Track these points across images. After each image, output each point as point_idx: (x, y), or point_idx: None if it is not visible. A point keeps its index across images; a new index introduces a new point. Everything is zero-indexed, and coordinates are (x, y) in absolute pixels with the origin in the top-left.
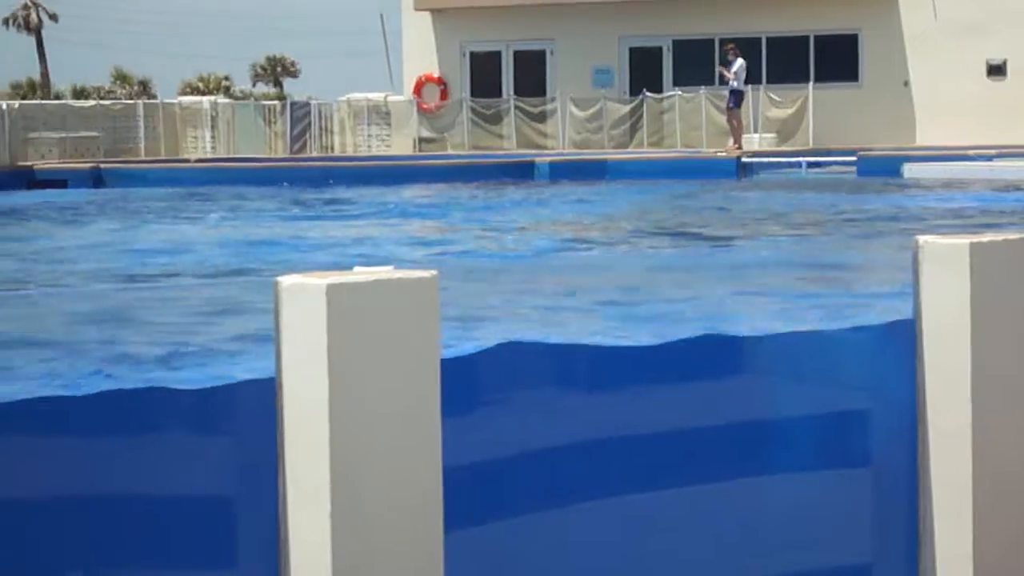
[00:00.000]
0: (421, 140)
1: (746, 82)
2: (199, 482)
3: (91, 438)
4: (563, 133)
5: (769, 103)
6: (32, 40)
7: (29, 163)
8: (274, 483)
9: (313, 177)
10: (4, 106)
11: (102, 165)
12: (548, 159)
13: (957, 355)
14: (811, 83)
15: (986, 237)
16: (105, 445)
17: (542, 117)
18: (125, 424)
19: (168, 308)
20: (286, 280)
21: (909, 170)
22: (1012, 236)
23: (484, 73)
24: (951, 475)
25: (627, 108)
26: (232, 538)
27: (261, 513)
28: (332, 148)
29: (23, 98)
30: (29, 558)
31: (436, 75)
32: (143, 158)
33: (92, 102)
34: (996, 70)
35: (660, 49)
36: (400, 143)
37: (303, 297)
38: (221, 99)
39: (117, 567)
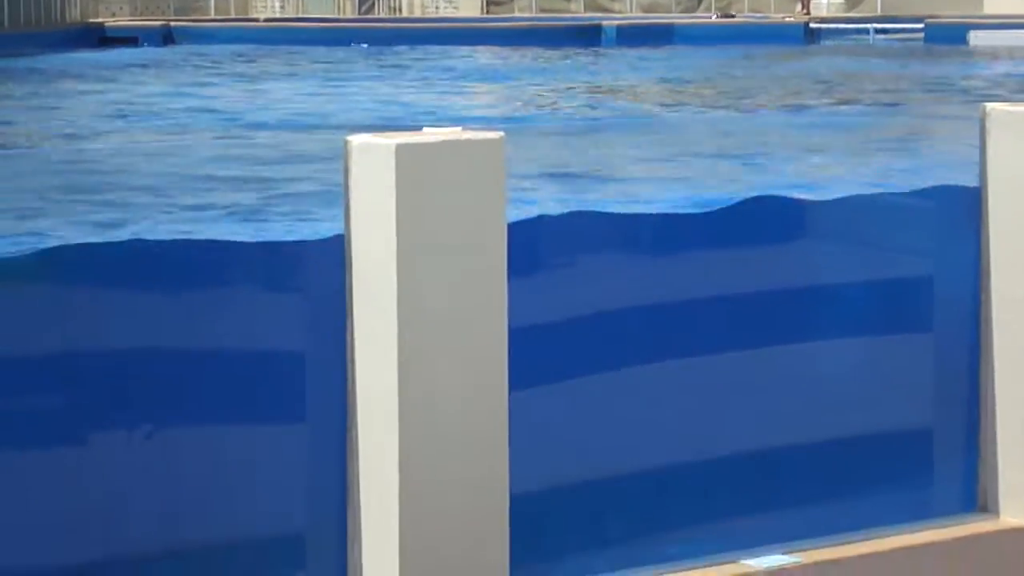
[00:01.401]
0: (489, 2)
1: None
2: (270, 335)
3: (162, 290)
4: None
5: None
6: None
7: (100, 20)
8: (343, 337)
9: (381, 38)
10: None
11: (172, 23)
12: (615, 23)
13: (1022, 220)
14: None
15: None
16: (176, 297)
17: None
18: (195, 276)
19: (239, 164)
20: (356, 139)
21: (975, 37)
22: None
23: None
24: (1015, 341)
25: None
26: (302, 389)
27: (331, 366)
28: (400, 9)
29: None
30: (107, 407)
31: None
32: (213, 16)
33: None
34: None
35: None
36: (468, 4)
37: (373, 156)
38: None
39: (189, 418)
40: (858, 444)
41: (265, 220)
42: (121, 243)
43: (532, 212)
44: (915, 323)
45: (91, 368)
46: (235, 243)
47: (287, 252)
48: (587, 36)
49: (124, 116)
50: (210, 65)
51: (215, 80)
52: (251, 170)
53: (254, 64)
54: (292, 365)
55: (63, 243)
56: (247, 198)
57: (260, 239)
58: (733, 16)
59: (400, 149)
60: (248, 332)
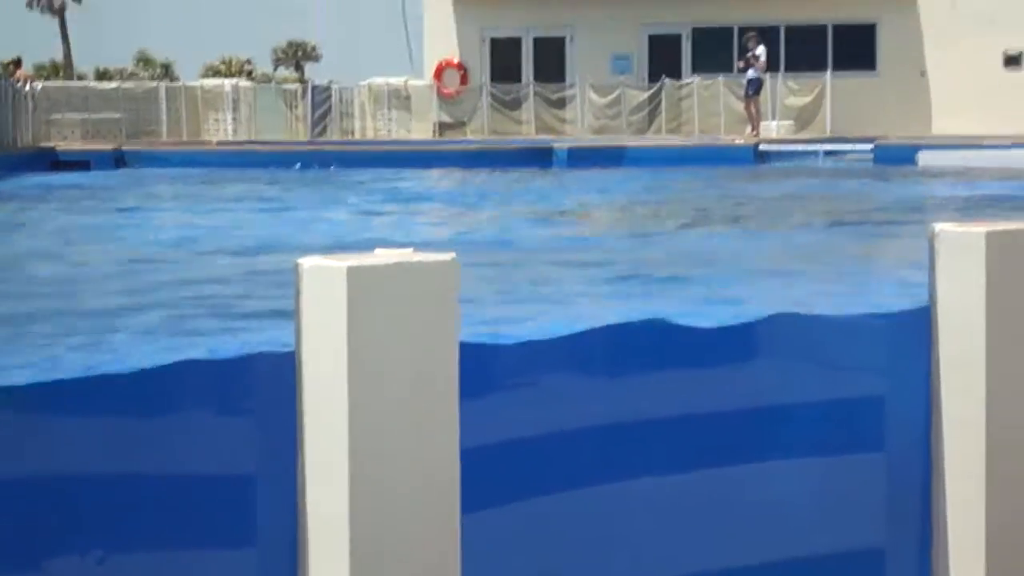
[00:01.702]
0: (441, 125)
1: (765, 70)
2: (218, 458)
3: (111, 415)
4: (582, 119)
5: (787, 91)
6: (56, 22)
7: (52, 144)
8: (294, 461)
9: (334, 160)
10: (27, 87)
11: (124, 147)
12: (566, 145)
13: (972, 343)
14: (829, 71)
15: (1002, 226)
16: (124, 421)
17: (561, 103)
18: (144, 399)
19: (186, 286)
20: (307, 262)
21: (925, 158)
22: None
23: (504, 59)
24: (965, 463)
25: (646, 95)
26: (251, 514)
27: (280, 490)
28: (353, 132)
29: (46, 79)
30: (51, 536)
31: (456, 60)
32: (165, 140)
33: (115, 84)
34: (1013, 61)
35: (679, 36)
36: (420, 128)
37: (324, 279)
38: (243, 82)
39: (137, 545)
40: (809, 565)
41: (217, 340)
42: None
43: (485, 333)
44: (867, 443)
45: (38, 494)
46: (185, 363)
47: (237, 372)
48: (539, 158)
49: (70, 240)
50: (162, 188)
51: (167, 203)
52: (202, 290)
53: (206, 187)
54: (241, 488)
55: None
56: (198, 318)
57: (210, 358)
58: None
59: (351, 271)
60: (197, 454)
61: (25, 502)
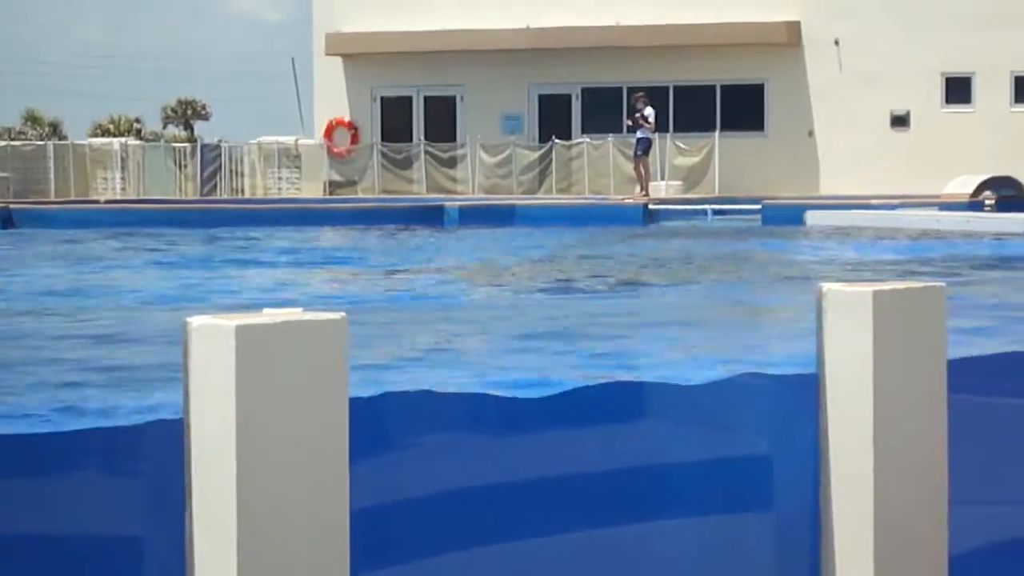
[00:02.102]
0: (331, 184)
1: (654, 130)
2: (107, 520)
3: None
4: (473, 178)
5: (676, 151)
6: None
7: None
8: (181, 522)
9: (223, 219)
10: None
11: (12, 205)
12: (457, 204)
13: (860, 402)
14: (717, 132)
15: (888, 285)
16: (11, 484)
17: (452, 162)
18: (31, 463)
19: (75, 346)
20: (196, 320)
21: (812, 218)
22: (914, 284)
23: (394, 118)
24: (853, 521)
25: (536, 154)
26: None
27: (168, 551)
28: (242, 191)
29: None
30: None
31: (347, 119)
32: (53, 199)
33: (2, 143)
34: (899, 121)
35: (569, 97)
36: (310, 187)
37: (212, 338)
38: (131, 141)
39: None
40: None
41: (105, 399)
42: None
43: (375, 391)
44: (754, 503)
45: None
46: (72, 431)
47: (125, 432)
48: (430, 216)
49: None
50: (50, 247)
51: (55, 262)
52: (90, 348)
53: (95, 245)
54: (129, 551)
55: None
56: (86, 377)
57: (98, 418)
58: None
59: (240, 330)
60: (84, 517)
61: None
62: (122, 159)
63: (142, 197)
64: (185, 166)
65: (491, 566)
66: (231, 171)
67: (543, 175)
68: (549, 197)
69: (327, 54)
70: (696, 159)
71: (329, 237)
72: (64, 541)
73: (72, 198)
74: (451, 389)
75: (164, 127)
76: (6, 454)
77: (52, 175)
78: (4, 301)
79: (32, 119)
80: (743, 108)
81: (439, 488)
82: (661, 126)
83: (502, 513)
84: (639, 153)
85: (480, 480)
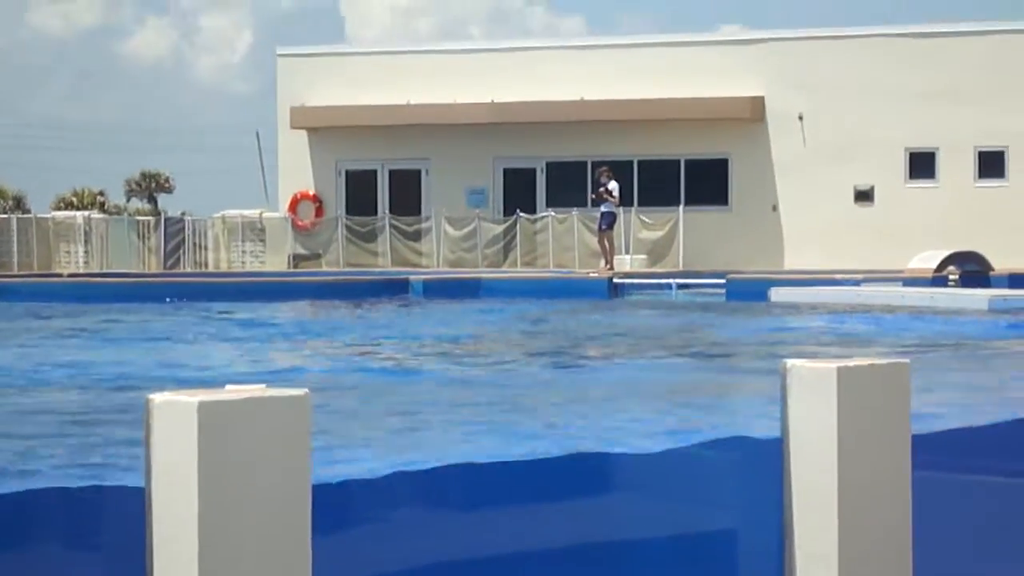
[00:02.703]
0: (296, 257)
1: (618, 204)
2: None
3: None
4: (438, 251)
5: (640, 225)
6: None
7: None
8: None
9: (187, 293)
10: None
11: None
12: (422, 277)
13: (824, 477)
14: (682, 206)
15: (853, 362)
16: None
17: (417, 235)
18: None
19: (34, 421)
20: (157, 397)
21: (776, 294)
22: (878, 361)
23: (359, 191)
24: None
25: (501, 228)
26: None
27: None
28: (206, 264)
29: None
30: None
31: (312, 192)
32: (16, 272)
33: None
34: (863, 196)
35: (534, 170)
36: (275, 260)
37: (174, 414)
38: (95, 214)
39: None
40: None
41: (66, 475)
42: None
43: (339, 472)
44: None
45: None
46: (33, 495)
47: (86, 507)
48: (395, 289)
49: None
50: (10, 322)
51: (15, 336)
52: (49, 424)
53: (55, 321)
54: None
55: None
56: (46, 453)
57: (59, 492)
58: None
59: (202, 407)
60: None
61: None
62: (86, 232)
63: (105, 271)
64: (149, 239)
65: None
66: (195, 244)
67: (508, 248)
68: (514, 270)
69: (292, 127)
70: (661, 233)
71: (293, 311)
72: None
73: (35, 271)
74: (413, 466)
75: (128, 200)
76: None
77: (15, 248)
78: None
79: None
80: (707, 182)
81: (401, 564)
82: (626, 200)
83: None
84: (604, 227)
85: (444, 554)
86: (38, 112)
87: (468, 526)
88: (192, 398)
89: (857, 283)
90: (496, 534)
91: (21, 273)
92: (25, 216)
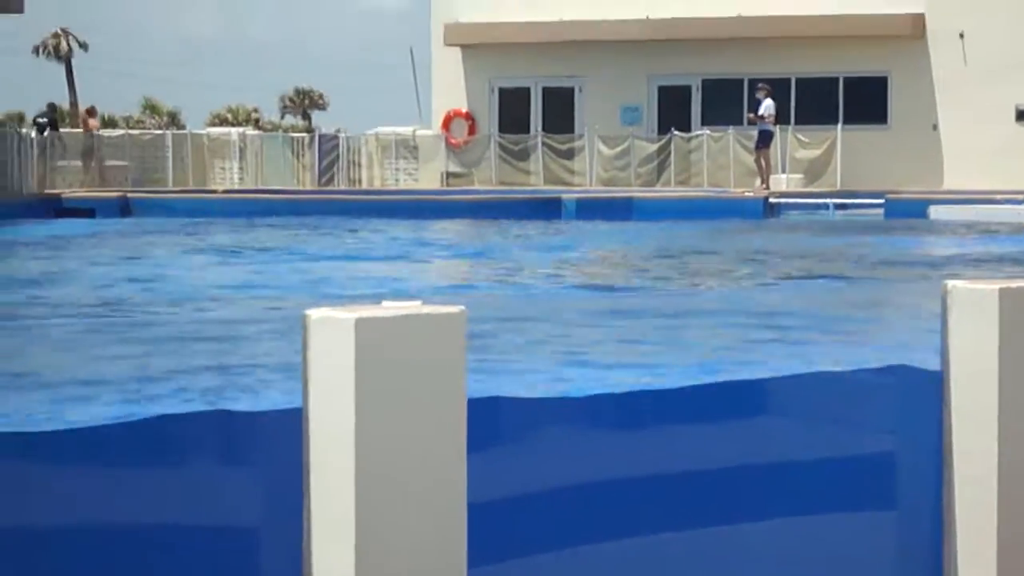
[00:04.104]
0: (448, 175)
1: (775, 122)
2: (223, 511)
3: (116, 465)
4: (590, 170)
5: (797, 144)
6: (62, 68)
7: (57, 191)
8: (299, 514)
9: (341, 209)
10: (33, 134)
11: (130, 195)
12: (575, 196)
13: (984, 401)
14: (839, 124)
15: (1015, 283)
16: (128, 472)
17: (570, 154)
18: (150, 451)
19: (193, 336)
20: (315, 313)
21: (936, 213)
22: None
23: (512, 109)
24: (976, 521)
25: (655, 146)
26: (255, 568)
27: (285, 544)
28: (360, 181)
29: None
30: None
31: (464, 110)
32: (171, 188)
33: (120, 132)
34: None
35: (689, 88)
36: (427, 177)
37: (331, 330)
38: (249, 131)
39: None
40: None
41: (224, 392)
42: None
43: (493, 389)
44: (878, 501)
45: (46, 543)
46: (191, 415)
47: (245, 424)
48: (547, 209)
49: (73, 288)
50: (167, 236)
51: (172, 252)
52: (208, 340)
53: (212, 236)
54: (247, 541)
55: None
56: (205, 371)
57: (218, 410)
58: None
59: (359, 323)
60: (202, 506)
61: (28, 552)
62: (240, 149)
63: (259, 187)
64: (303, 156)
65: (606, 562)
66: (348, 161)
67: (662, 167)
68: (668, 190)
69: (446, 44)
70: (818, 152)
71: (447, 228)
72: (178, 530)
73: (190, 187)
74: (568, 387)
75: (282, 117)
76: (123, 441)
77: (170, 164)
78: (120, 291)
79: (150, 108)
80: (866, 101)
81: (556, 484)
82: (783, 118)
83: (619, 510)
84: (760, 145)
85: (597, 477)
86: (193, 29)
87: (620, 449)
88: (349, 314)
89: (1019, 203)
90: (649, 458)
91: (176, 189)
92: (180, 132)
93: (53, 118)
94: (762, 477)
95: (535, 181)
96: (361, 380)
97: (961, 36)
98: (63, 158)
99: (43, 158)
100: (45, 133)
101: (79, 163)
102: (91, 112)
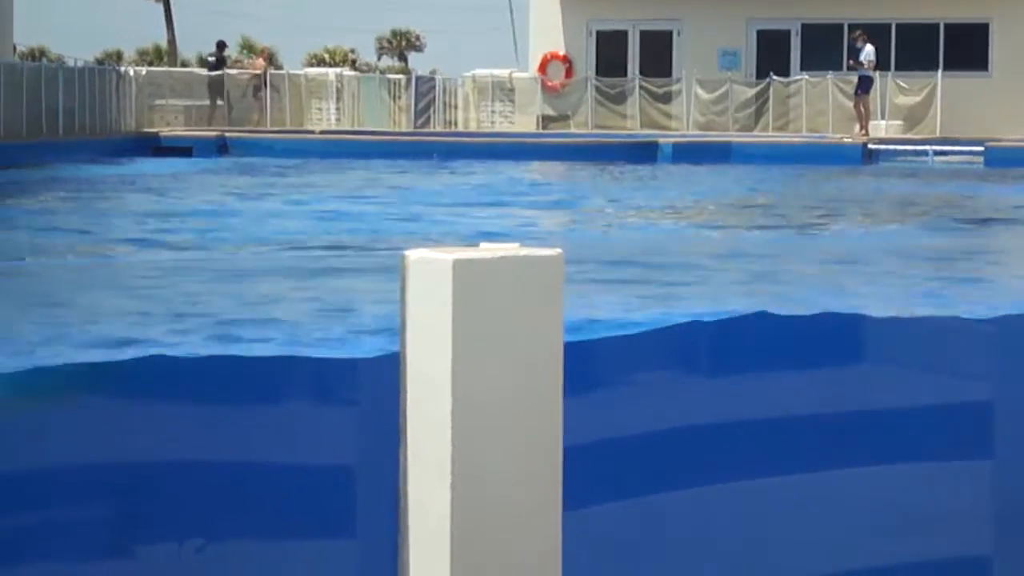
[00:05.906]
0: (545, 118)
1: (875, 68)
2: (322, 451)
3: (216, 403)
4: (687, 114)
5: (897, 90)
6: (160, 7)
7: (155, 130)
8: (396, 455)
9: (437, 152)
10: (131, 72)
11: (227, 134)
12: (672, 140)
13: None
14: (940, 71)
15: None
16: (229, 411)
17: (667, 98)
18: (250, 390)
19: (291, 276)
20: (413, 254)
21: None
22: None
23: (609, 52)
24: None
25: (753, 91)
26: (352, 507)
27: (383, 484)
28: (456, 124)
29: (149, 65)
30: (149, 523)
31: (562, 53)
32: (268, 128)
33: (218, 71)
34: None
35: (788, 33)
36: (524, 121)
37: (429, 272)
38: (347, 72)
39: (236, 534)
40: (916, 571)
41: (322, 331)
42: (170, 358)
43: (590, 330)
44: (975, 450)
45: (141, 480)
46: (288, 358)
47: (342, 365)
48: (643, 153)
49: (172, 226)
50: (264, 176)
51: (270, 192)
52: (305, 283)
53: (309, 176)
54: (343, 481)
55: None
56: (300, 312)
57: (313, 354)
58: None
59: (457, 264)
60: (300, 447)
61: (126, 488)
62: (337, 90)
63: (356, 128)
64: (399, 97)
65: (707, 504)
66: (445, 104)
67: (759, 112)
68: (766, 135)
69: None
70: (917, 99)
71: (543, 172)
72: (279, 469)
73: (287, 127)
74: (665, 324)
75: (379, 58)
76: (226, 375)
77: (268, 104)
78: (217, 231)
79: (248, 47)
80: (967, 47)
81: (657, 426)
82: (882, 64)
83: (718, 453)
84: (860, 92)
85: (694, 419)
86: None
87: (717, 390)
88: (447, 255)
89: None
90: (745, 399)
91: (273, 129)
92: (278, 72)
93: (221, 56)
94: (861, 424)
95: (631, 125)
96: (458, 322)
97: None
98: (161, 97)
99: (141, 97)
100: (217, 72)
101: (178, 102)
102: (265, 57)
